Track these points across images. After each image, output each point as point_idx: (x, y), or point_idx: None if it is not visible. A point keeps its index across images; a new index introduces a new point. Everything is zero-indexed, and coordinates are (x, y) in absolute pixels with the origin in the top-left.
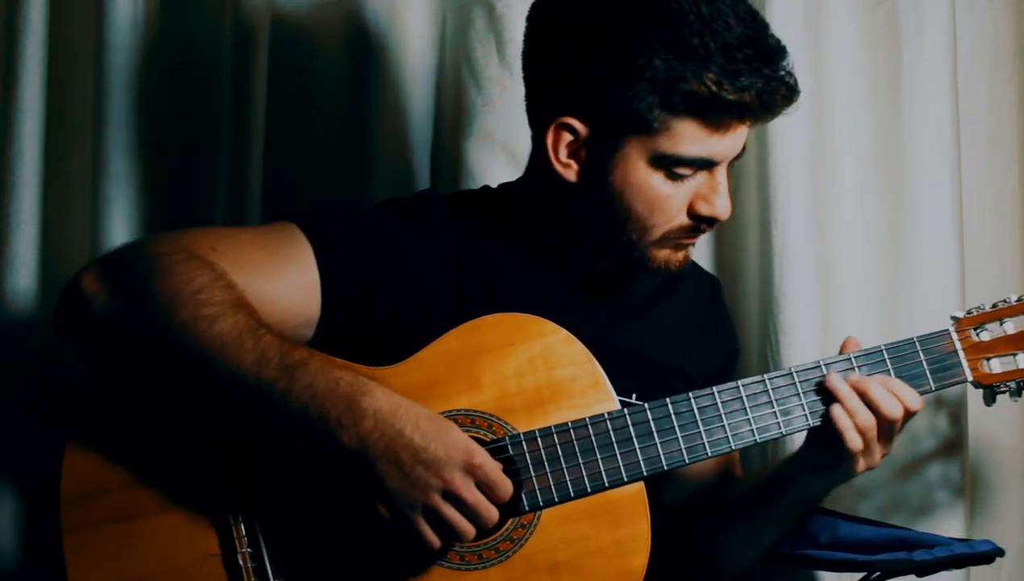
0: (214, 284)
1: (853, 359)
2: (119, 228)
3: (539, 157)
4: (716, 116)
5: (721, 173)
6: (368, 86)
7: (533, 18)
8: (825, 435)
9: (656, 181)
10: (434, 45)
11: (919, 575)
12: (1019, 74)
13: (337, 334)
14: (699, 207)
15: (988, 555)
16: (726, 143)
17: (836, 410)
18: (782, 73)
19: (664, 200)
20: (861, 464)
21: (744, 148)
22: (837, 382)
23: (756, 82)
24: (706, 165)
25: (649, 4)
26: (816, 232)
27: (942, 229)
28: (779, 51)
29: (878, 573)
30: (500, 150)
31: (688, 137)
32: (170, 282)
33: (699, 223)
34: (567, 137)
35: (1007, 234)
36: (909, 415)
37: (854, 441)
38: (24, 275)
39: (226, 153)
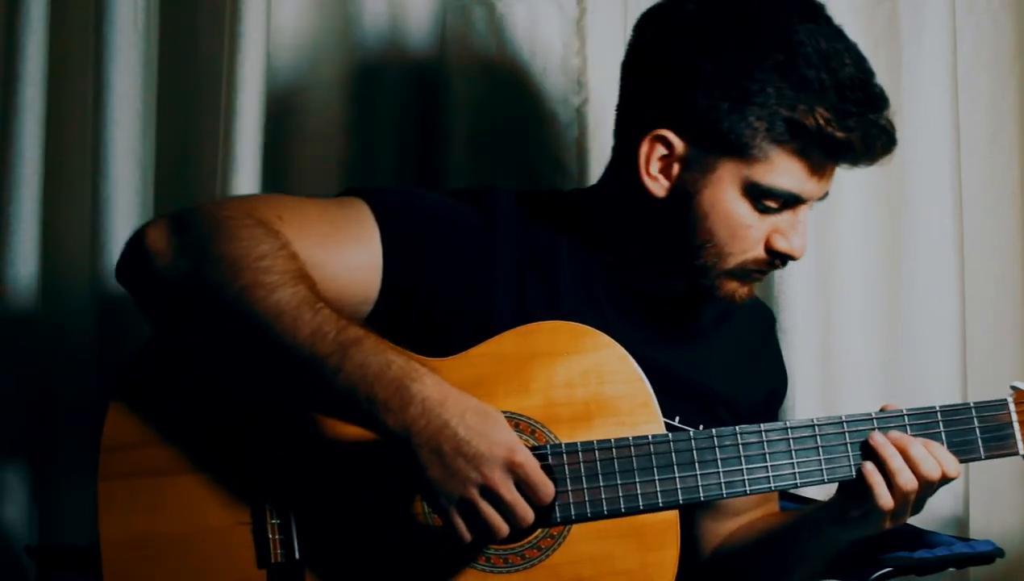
0: (278, 253)
1: (907, 416)
2: (119, 228)
3: (624, 166)
4: (818, 154)
5: (804, 212)
6: (368, 87)
7: (645, 26)
8: (857, 490)
9: (742, 209)
10: (434, 45)
11: (919, 574)
12: (1019, 74)
13: (392, 318)
14: (776, 242)
15: (988, 555)
16: (816, 184)
17: (868, 466)
18: (884, 122)
19: (746, 229)
20: (888, 522)
21: (828, 191)
22: (881, 440)
23: (863, 124)
24: (794, 202)
25: (769, 31)
26: (816, 232)
27: (942, 229)
28: (884, 100)
29: (879, 572)
30: (500, 150)
31: (784, 171)
32: (234, 247)
33: (774, 258)
34: (661, 150)
35: (1007, 234)
36: (945, 481)
37: (884, 498)
38: (24, 275)
39: (226, 153)
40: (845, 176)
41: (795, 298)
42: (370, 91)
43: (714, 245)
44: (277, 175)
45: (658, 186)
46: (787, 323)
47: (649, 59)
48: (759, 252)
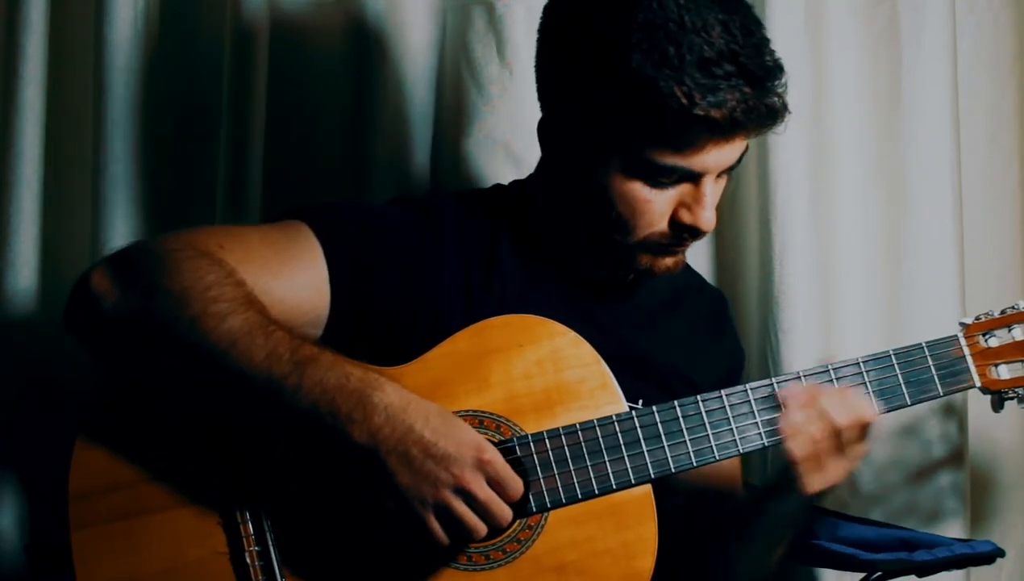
0: (224, 281)
1: (861, 364)
2: (119, 228)
3: (541, 150)
4: (684, 133)
5: (707, 185)
6: (368, 86)
7: (544, 13)
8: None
9: (635, 186)
10: (434, 45)
11: (920, 575)
12: (1019, 74)
13: (345, 333)
14: (681, 215)
15: (989, 555)
16: (705, 158)
17: (783, 420)
18: (766, 93)
19: (644, 204)
20: (815, 481)
21: (740, 159)
22: (786, 393)
23: (729, 99)
24: (687, 176)
25: (637, 8)
26: (816, 232)
27: (942, 229)
28: (769, 70)
29: (879, 573)
30: (500, 150)
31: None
32: (180, 279)
33: (681, 232)
34: (560, 132)
35: (1007, 234)
36: (864, 427)
37: (799, 450)
38: (25, 275)
39: (226, 153)
40: (844, 175)
41: (795, 298)
42: (370, 90)
43: (618, 220)
44: (278, 175)
45: (561, 166)
46: (787, 323)
47: (546, 44)
48: (663, 227)
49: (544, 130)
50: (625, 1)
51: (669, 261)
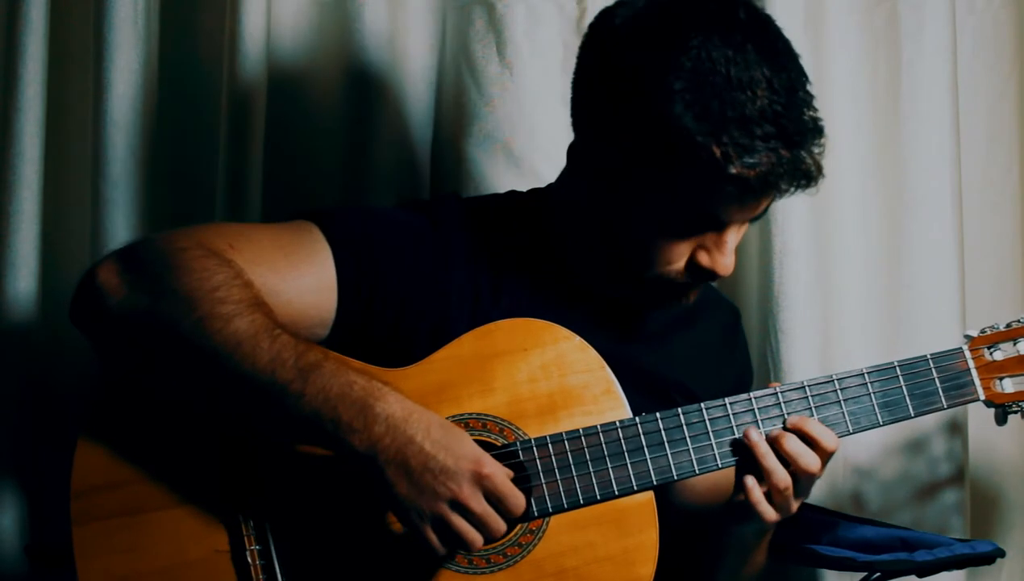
0: (232, 282)
1: (866, 375)
2: (119, 228)
3: (567, 166)
4: (714, 189)
5: (730, 233)
6: (368, 86)
7: (590, 34)
8: (740, 488)
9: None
10: (434, 45)
11: (920, 575)
12: (1019, 74)
13: (352, 335)
14: (700, 257)
15: (989, 556)
16: (732, 213)
17: (749, 480)
18: (803, 155)
19: (665, 244)
20: (775, 514)
21: (766, 209)
22: (756, 438)
23: (764, 161)
24: (711, 226)
25: (684, 55)
26: (816, 232)
27: (942, 229)
28: (809, 132)
29: (879, 573)
30: (500, 150)
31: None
32: (188, 278)
33: (697, 273)
34: (588, 159)
35: (1007, 234)
36: (827, 457)
37: (768, 513)
38: (24, 276)
39: (226, 153)
40: (844, 175)
41: (795, 298)
42: (370, 91)
43: (639, 253)
44: (278, 175)
45: (585, 189)
46: (787, 323)
47: (589, 66)
48: (681, 265)
49: (573, 152)
50: (672, 45)
51: (680, 299)
